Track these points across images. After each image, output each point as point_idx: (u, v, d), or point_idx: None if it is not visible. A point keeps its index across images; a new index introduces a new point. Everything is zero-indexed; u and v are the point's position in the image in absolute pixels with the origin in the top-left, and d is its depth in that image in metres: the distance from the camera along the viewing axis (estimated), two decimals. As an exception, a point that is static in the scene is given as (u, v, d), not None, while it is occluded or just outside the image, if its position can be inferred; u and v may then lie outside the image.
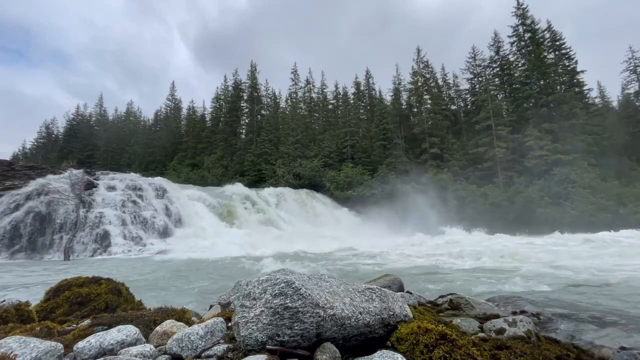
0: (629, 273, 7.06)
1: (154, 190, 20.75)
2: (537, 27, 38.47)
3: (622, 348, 2.24)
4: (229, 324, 2.04)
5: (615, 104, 44.51)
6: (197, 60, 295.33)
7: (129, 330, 1.89)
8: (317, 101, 56.03)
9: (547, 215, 26.15)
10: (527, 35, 38.73)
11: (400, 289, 4.35)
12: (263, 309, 1.57)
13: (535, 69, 36.64)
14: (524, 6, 39.10)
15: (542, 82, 36.37)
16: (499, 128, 34.76)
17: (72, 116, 66.09)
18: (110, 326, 2.08)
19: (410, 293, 3.79)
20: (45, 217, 16.01)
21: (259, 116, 50.71)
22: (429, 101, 43.07)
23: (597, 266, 8.20)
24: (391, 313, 1.78)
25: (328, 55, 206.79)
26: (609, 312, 3.84)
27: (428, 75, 45.89)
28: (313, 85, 56.39)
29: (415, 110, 45.57)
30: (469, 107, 45.94)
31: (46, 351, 1.63)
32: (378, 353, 1.50)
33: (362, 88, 55.31)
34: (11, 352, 1.55)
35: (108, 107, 69.42)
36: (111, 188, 19.72)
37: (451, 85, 49.60)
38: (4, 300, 2.75)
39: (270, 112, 53.62)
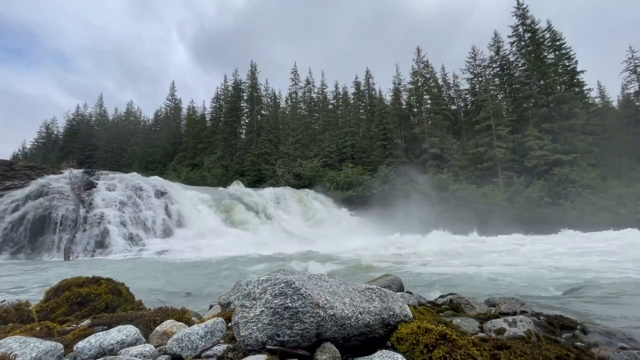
0: (629, 274, 7.05)
1: (154, 190, 20.73)
2: (537, 27, 38.51)
3: (622, 348, 2.24)
4: (229, 324, 2.04)
5: (615, 104, 44.55)
6: (196, 61, 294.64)
7: (128, 330, 1.88)
8: (317, 101, 56.06)
9: (547, 215, 26.17)
10: (527, 35, 38.76)
11: (400, 289, 4.35)
12: (263, 309, 1.57)
13: (535, 69, 36.66)
14: (524, 6, 39.15)
15: (542, 82, 36.39)
16: (499, 128, 34.78)
17: (72, 116, 66.24)
18: (110, 326, 2.08)
19: (410, 293, 3.79)
20: (45, 218, 15.99)
21: (259, 116, 50.71)
22: (429, 101, 43.11)
23: (597, 268, 8.20)
24: (391, 313, 1.77)
25: (328, 55, 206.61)
26: (609, 313, 3.84)
27: (428, 75, 45.95)
28: (313, 85, 56.47)
29: (415, 110, 45.60)
30: (469, 107, 46.01)
31: (46, 351, 1.63)
32: (378, 353, 1.49)
33: (362, 88, 55.38)
34: (11, 352, 1.55)
35: (108, 107, 69.39)
36: (111, 187, 19.71)
37: (451, 85, 49.69)
38: (4, 300, 2.75)
39: (270, 112, 53.64)
